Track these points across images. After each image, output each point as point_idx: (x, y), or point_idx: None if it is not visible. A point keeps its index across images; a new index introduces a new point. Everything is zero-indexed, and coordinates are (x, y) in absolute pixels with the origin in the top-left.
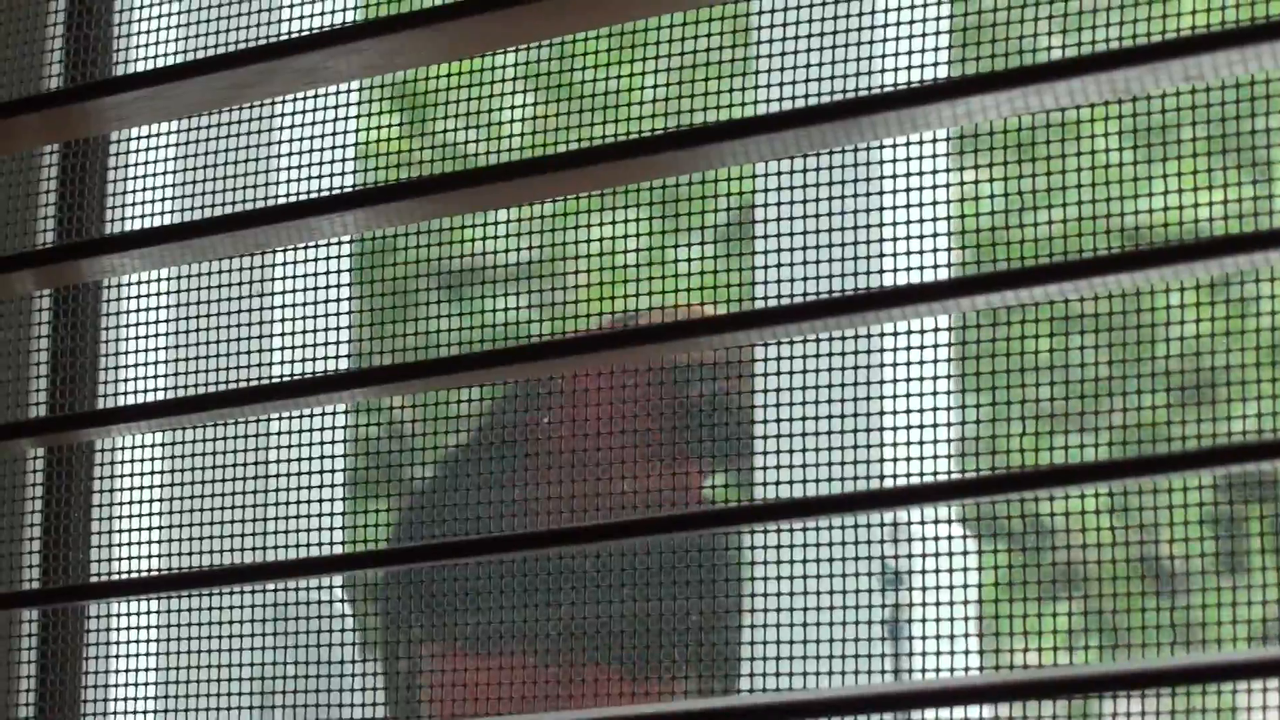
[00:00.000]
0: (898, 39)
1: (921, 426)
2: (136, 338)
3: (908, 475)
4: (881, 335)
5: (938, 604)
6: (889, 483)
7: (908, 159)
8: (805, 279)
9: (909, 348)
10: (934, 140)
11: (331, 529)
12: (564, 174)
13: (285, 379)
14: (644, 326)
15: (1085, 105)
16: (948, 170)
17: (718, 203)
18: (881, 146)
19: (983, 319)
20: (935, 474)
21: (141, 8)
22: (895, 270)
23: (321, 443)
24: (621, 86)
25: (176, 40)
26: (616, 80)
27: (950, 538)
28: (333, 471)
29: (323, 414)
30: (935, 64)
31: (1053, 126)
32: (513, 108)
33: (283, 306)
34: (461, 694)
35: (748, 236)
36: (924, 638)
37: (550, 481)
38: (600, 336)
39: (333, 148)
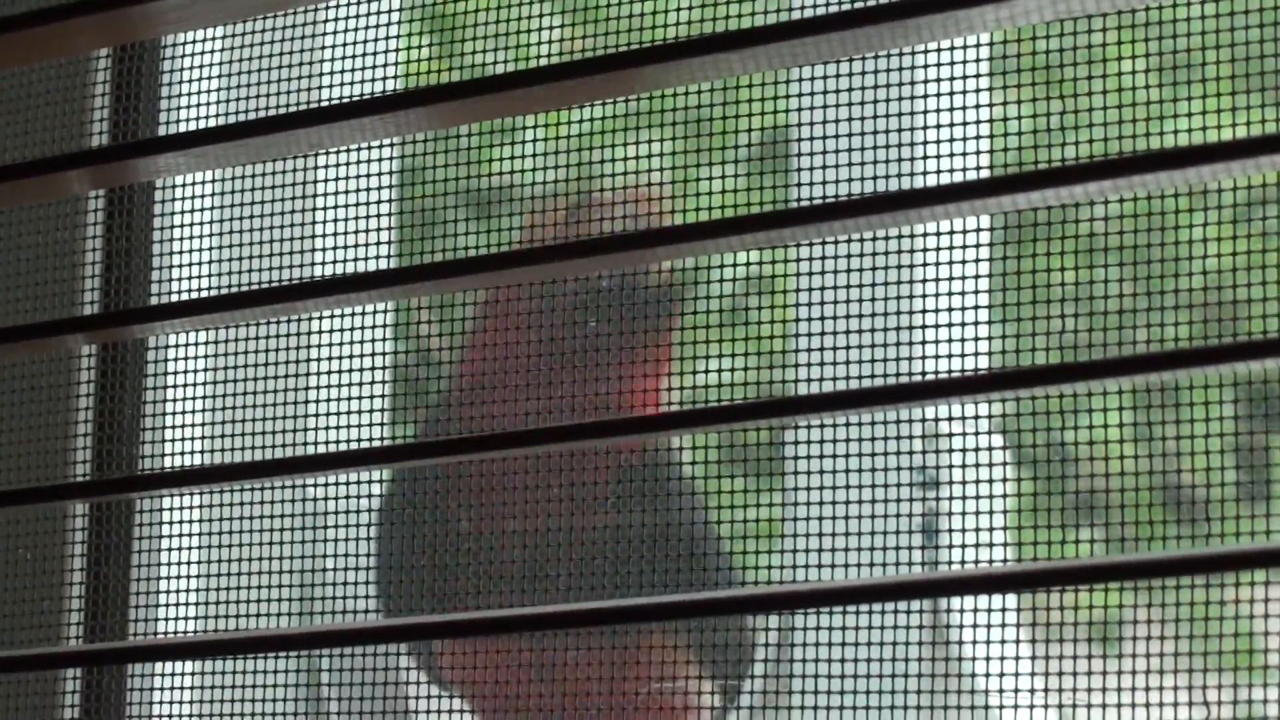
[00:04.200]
0: None
1: (952, 325)
2: (187, 238)
3: (941, 372)
4: (913, 236)
5: (973, 499)
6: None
7: (943, 67)
8: (842, 186)
9: (943, 248)
10: (973, 55)
11: (371, 425)
12: (607, 76)
13: (329, 277)
14: (674, 227)
15: (1126, 10)
16: (988, 86)
17: (749, 124)
18: (917, 52)
19: (1009, 250)
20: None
21: None
22: (932, 173)
23: (364, 341)
24: (650, 9)
25: None
26: (646, 4)
27: (979, 434)
28: (374, 369)
29: (363, 313)
30: None
31: (1075, 52)
32: (540, 31)
33: (329, 208)
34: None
35: (779, 155)
36: (958, 530)
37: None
38: (619, 238)
39: (376, 53)
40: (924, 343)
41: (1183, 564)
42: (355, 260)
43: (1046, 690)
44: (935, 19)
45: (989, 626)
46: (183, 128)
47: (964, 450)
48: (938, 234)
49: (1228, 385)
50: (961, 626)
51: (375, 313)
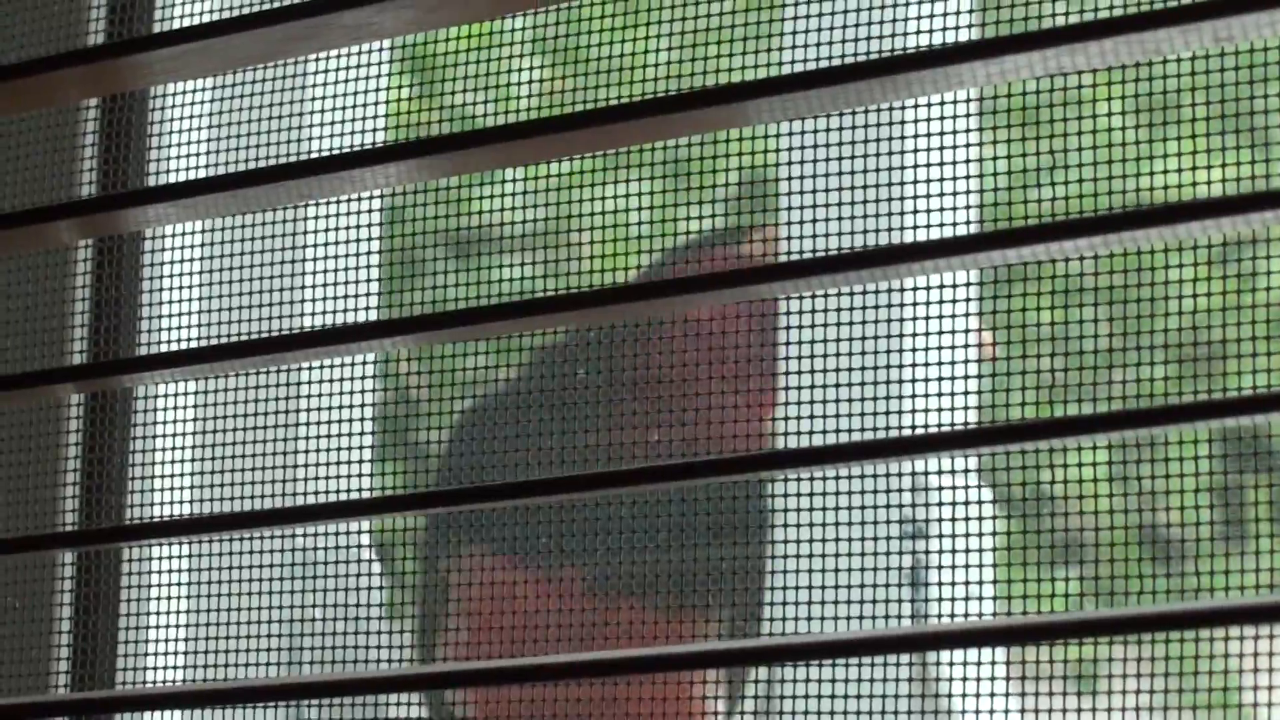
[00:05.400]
0: (920, 2)
1: (934, 379)
2: (175, 288)
3: (926, 426)
4: (901, 291)
5: (960, 552)
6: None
7: (931, 122)
8: (827, 235)
9: (931, 301)
10: (961, 108)
11: (359, 475)
12: (593, 130)
13: (317, 328)
14: (659, 281)
15: (1116, 66)
16: (978, 141)
17: (728, 170)
18: (905, 108)
19: (986, 291)
20: (954, 425)
21: None
22: (917, 227)
23: (351, 391)
24: (632, 52)
25: None
26: (628, 46)
27: (968, 487)
28: (362, 420)
29: (352, 363)
30: (963, 26)
31: (1056, 97)
32: (523, 74)
33: (315, 260)
34: (497, 604)
35: (759, 195)
36: (943, 584)
37: (590, 430)
38: (627, 288)
39: (364, 105)
40: (913, 396)
41: (1167, 619)
42: (344, 310)
43: None
44: (925, 75)
45: (979, 680)
46: (171, 178)
47: (953, 504)
48: (926, 288)
49: (1208, 434)
50: (951, 680)
51: (361, 363)
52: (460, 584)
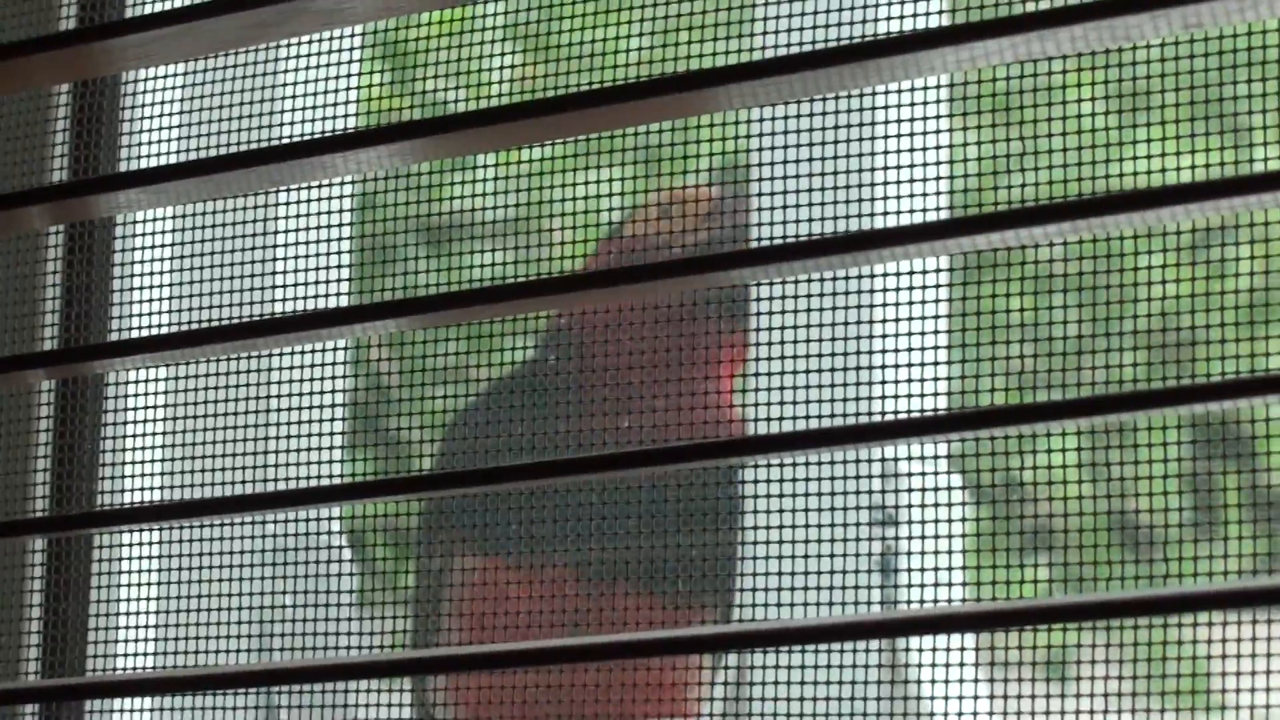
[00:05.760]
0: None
1: (908, 365)
2: (147, 274)
3: (896, 413)
4: (873, 276)
5: (930, 538)
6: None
7: (903, 108)
8: (799, 221)
9: (902, 288)
10: (933, 95)
11: (331, 462)
12: (567, 115)
13: (288, 314)
14: (640, 265)
15: (1087, 53)
16: (949, 127)
17: (699, 157)
18: (877, 94)
19: (957, 279)
20: (925, 411)
21: None
22: (888, 214)
23: (323, 379)
24: (604, 38)
25: None
26: (601, 34)
27: (938, 474)
28: (333, 406)
29: (324, 350)
30: (934, 12)
31: (1028, 84)
32: (496, 63)
33: (286, 245)
34: (491, 605)
35: (736, 181)
36: (914, 571)
37: (571, 416)
38: (595, 274)
39: (336, 91)
40: (883, 382)
41: (1138, 604)
42: (315, 297)
43: None
44: (896, 60)
45: (948, 666)
46: (143, 164)
47: (923, 490)
48: (897, 274)
49: (1180, 421)
50: (921, 665)
51: (334, 349)
52: (454, 585)
